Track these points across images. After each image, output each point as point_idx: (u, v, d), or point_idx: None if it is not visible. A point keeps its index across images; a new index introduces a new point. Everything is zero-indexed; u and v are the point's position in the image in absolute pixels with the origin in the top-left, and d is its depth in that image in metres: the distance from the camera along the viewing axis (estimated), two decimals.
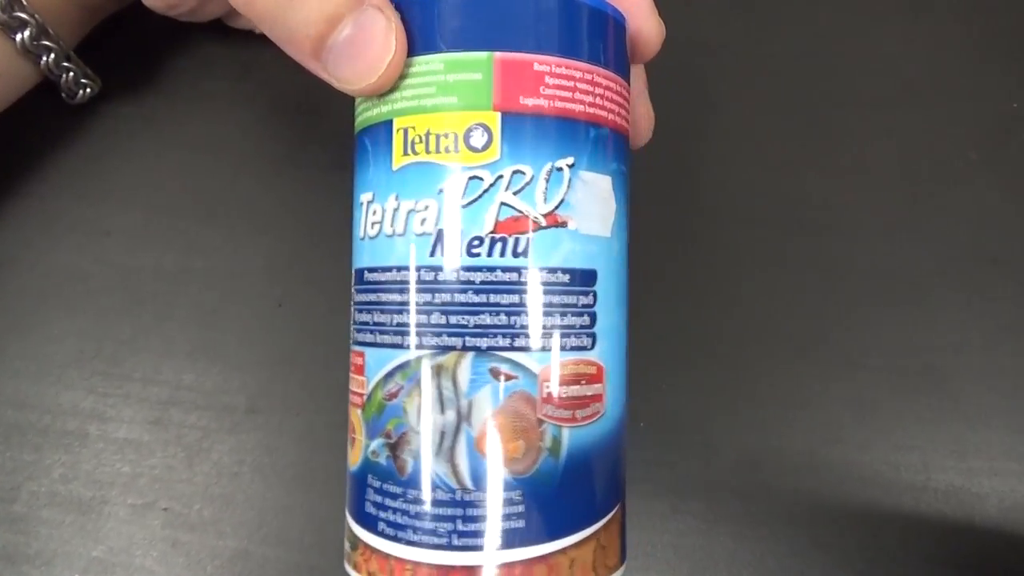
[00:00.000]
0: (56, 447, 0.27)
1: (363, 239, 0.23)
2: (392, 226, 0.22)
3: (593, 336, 0.23)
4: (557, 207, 0.22)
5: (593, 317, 0.23)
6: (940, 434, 0.27)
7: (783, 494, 0.27)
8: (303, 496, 0.29)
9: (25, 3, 0.25)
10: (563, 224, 0.22)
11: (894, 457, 0.27)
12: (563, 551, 0.22)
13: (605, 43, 0.23)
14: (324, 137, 0.31)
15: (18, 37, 0.25)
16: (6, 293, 0.29)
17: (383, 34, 0.21)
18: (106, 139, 0.30)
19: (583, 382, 0.22)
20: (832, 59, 0.32)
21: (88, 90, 0.29)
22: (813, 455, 0.27)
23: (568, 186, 0.22)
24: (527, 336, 0.21)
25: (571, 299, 0.22)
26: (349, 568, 0.24)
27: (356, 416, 0.23)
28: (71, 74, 0.27)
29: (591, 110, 0.23)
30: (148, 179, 0.30)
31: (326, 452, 0.30)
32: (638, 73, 0.27)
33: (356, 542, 0.23)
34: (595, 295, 0.23)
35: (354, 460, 0.23)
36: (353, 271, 0.24)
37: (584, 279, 0.22)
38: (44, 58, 0.26)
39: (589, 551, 0.22)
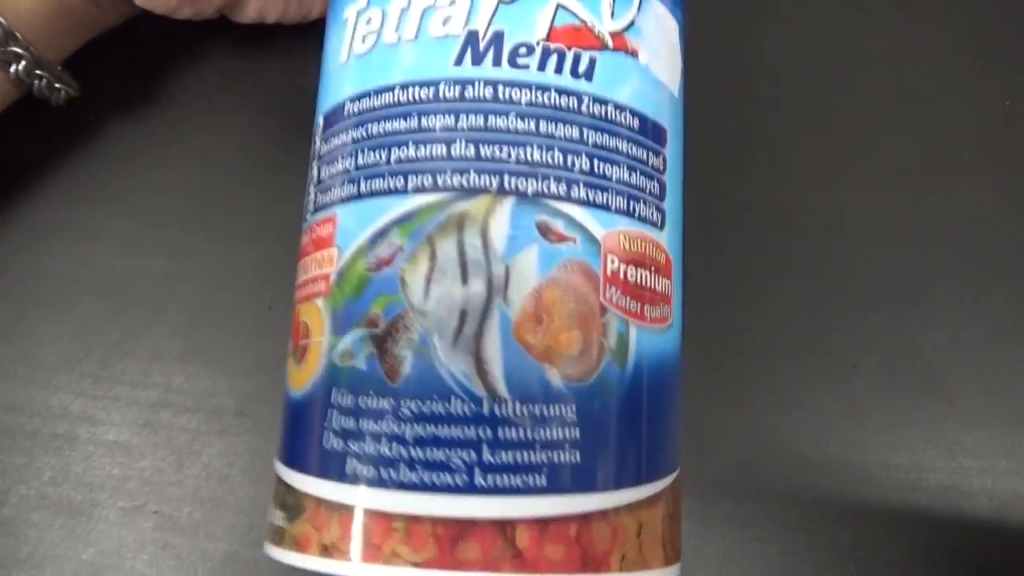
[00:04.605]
0: (45, 450, 0.27)
1: (345, 64, 0.17)
2: (398, 32, 0.16)
3: (663, 213, 0.17)
4: (626, 29, 0.16)
5: (663, 187, 0.17)
6: (932, 434, 0.28)
7: (775, 495, 0.27)
8: None
9: None
10: (633, 53, 0.16)
11: (886, 457, 0.28)
12: (629, 509, 0.15)
13: None
14: None
15: None
16: None
17: None
18: (95, 142, 0.29)
19: (653, 268, 0.16)
20: (824, 62, 0.32)
21: (63, 93, 0.26)
22: (806, 456, 0.28)
23: (638, 8, 0.17)
24: (589, 186, 0.15)
25: (641, 152, 0.16)
26: (280, 551, 0.15)
27: (313, 310, 0.16)
28: (43, 81, 0.25)
29: None
30: (137, 182, 0.29)
31: None
32: None
33: (301, 504, 0.15)
34: (664, 159, 0.17)
35: (305, 376, 0.16)
36: (321, 119, 0.17)
37: (655, 133, 0.17)
38: (13, 66, 0.24)
39: (658, 517, 0.15)
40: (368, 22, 0.16)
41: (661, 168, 0.17)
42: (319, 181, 0.17)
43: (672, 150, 0.17)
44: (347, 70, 0.17)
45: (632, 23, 0.16)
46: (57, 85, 0.26)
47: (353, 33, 0.16)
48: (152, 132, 0.30)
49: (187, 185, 0.30)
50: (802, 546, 0.28)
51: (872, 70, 0.33)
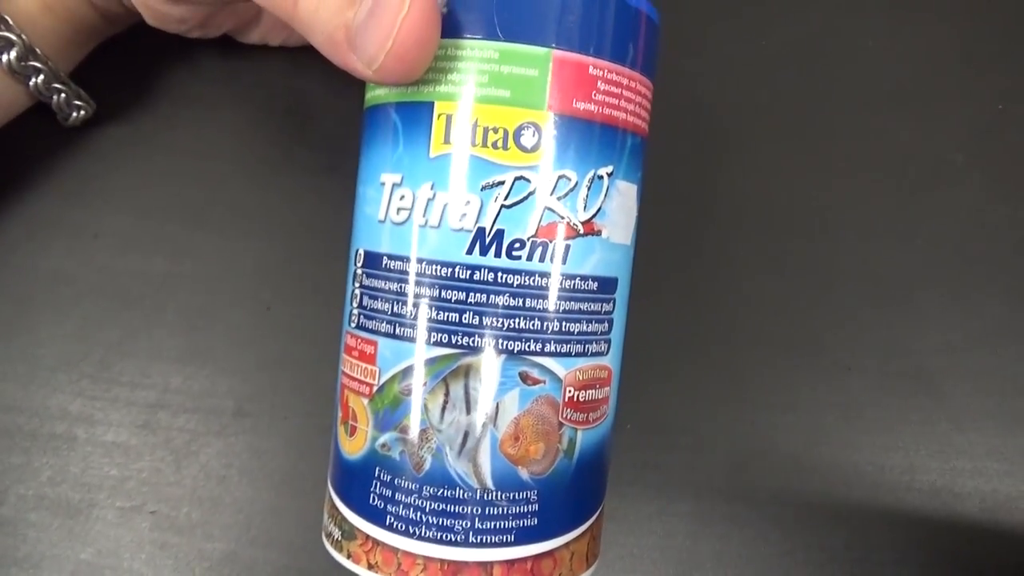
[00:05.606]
0: (44, 450, 0.26)
1: (383, 222, 0.22)
2: (425, 216, 0.21)
3: (609, 342, 0.23)
4: (594, 215, 0.22)
5: (611, 324, 0.23)
6: (925, 435, 0.28)
7: (770, 495, 0.27)
8: (291, 499, 0.29)
9: (10, 22, 0.24)
10: (597, 233, 0.22)
11: (879, 458, 0.27)
12: (566, 545, 0.23)
13: (649, 50, 0.23)
14: (313, 141, 0.30)
15: (3, 58, 0.25)
16: None
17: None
18: (94, 142, 0.29)
19: (597, 386, 0.23)
20: (818, 62, 0.31)
21: (82, 112, 0.28)
22: (799, 457, 0.27)
23: (605, 195, 0.22)
24: (556, 342, 0.22)
25: (596, 306, 0.22)
26: (340, 556, 0.23)
27: (360, 404, 0.23)
28: (62, 96, 0.26)
29: (631, 118, 0.23)
30: (137, 182, 0.29)
31: (314, 455, 0.29)
32: None
33: (354, 532, 0.23)
34: (614, 302, 0.23)
35: (354, 449, 0.23)
36: (362, 251, 0.23)
37: (608, 287, 0.23)
38: (32, 79, 0.25)
39: (584, 543, 0.24)
40: (402, 198, 0.22)
41: (612, 309, 0.23)
42: (362, 304, 0.23)
43: (621, 287, 0.24)
44: (385, 231, 0.22)
45: (599, 209, 0.22)
46: (77, 102, 0.27)
47: (390, 200, 0.22)
48: (151, 131, 0.29)
49: (186, 185, 0.29)
50: (796, 546, 0.27)
51: (866, 72, 0.32)
